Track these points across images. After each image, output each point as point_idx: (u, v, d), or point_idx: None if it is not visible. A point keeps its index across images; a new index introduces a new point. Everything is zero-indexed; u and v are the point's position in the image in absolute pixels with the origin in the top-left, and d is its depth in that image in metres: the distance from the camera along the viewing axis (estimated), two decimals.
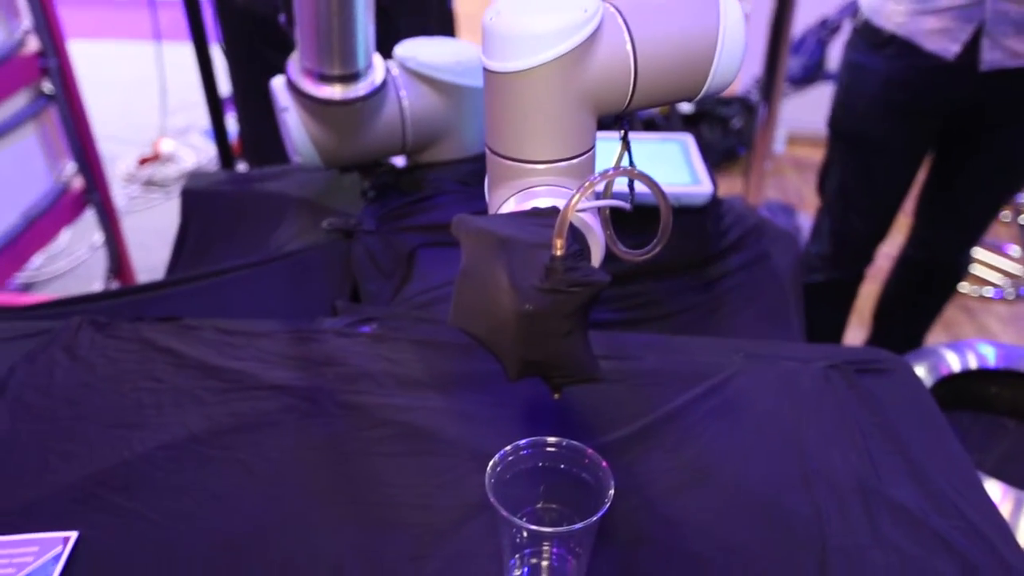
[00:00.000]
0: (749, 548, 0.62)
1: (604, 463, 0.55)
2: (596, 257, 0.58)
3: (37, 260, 2.40)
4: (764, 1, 2.06)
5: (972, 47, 1.32)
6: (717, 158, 3.08)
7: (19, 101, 1.72)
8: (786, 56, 2.10)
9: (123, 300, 0.97)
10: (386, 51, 1.01)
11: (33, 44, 1.73)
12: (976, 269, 2.46)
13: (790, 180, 3.11)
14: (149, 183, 2.95)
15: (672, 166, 1.14)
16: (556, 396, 0.57)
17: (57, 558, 0.59)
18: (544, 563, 0.56)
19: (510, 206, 0.58)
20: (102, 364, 0.80)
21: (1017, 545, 0.62)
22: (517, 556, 0.56)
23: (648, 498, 0.65)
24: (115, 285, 2.08)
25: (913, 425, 0.74)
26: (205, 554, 0.60)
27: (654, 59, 0.57)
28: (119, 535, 0.61)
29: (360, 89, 0.94)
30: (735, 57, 0.59)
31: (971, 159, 1.49)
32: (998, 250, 2.54)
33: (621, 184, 0.60)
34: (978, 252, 2.47)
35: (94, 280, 2.31)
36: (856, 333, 2.01)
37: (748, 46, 0.60)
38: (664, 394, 0.76)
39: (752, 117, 2.94)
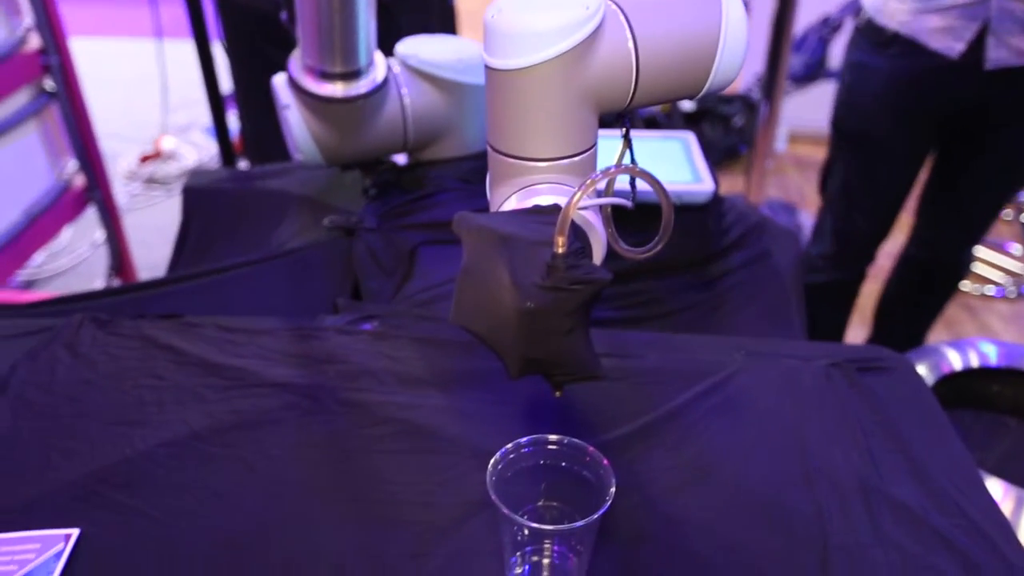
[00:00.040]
0: (750, 546, 0.62)
1: (605, 461, 0.55)
2: (598, 255, 0.58)
3: (39, 258, 2.40)
4: None
5: (976, 46, 1.31)
6: (718, 156, 3.08)
7: (21, 99, 1.72)
8: (788, 54, 2.10)
9: (124, 297, 0.97)
10: (387, 49, 1.01)
11: (35, 42, 1.73)
12: (978, 267, 2.46)
13: (791, 178, 3.10)
14: (150, 181, 2.96)
15: (673, 164, 1.14)
16: (557, 394, 0.57)
17: (59, 555, 0.59)
18: (545, 561, 0.56)
19: (511, 204, 0.58)
20: (104, 361, 0.80)
21: (1018, 544, 0.62)
22: (518, 554, 0.56)
23: (649, 496, 0.65)
24: (116, 283, 2.08)
25: (914, 423, 0.74)
26: (206, 551, 0.60)
27: (656, 57, 0.57)
28: (121, 532, 0.61)
29: (361, 87, 0.94)
30: (737, 55, 0.58)
31: (974, 158, 1.49)
32: (1000, 248, 2.54)
33: (623, 182, 0.60)
34: (980, 250, 2.47)
35: (95, 278, 2.31)
36: (857, 331, 2.01)
37: (749, 44, 0.60)
38: (665, 392, 0.76)
39: (754, 115, 2.94)
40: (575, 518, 0.53)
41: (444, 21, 1.65)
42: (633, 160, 0.61)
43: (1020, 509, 1.19)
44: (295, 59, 0.94)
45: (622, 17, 0.56)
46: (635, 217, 0.60)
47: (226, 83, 1.80)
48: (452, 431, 0.71)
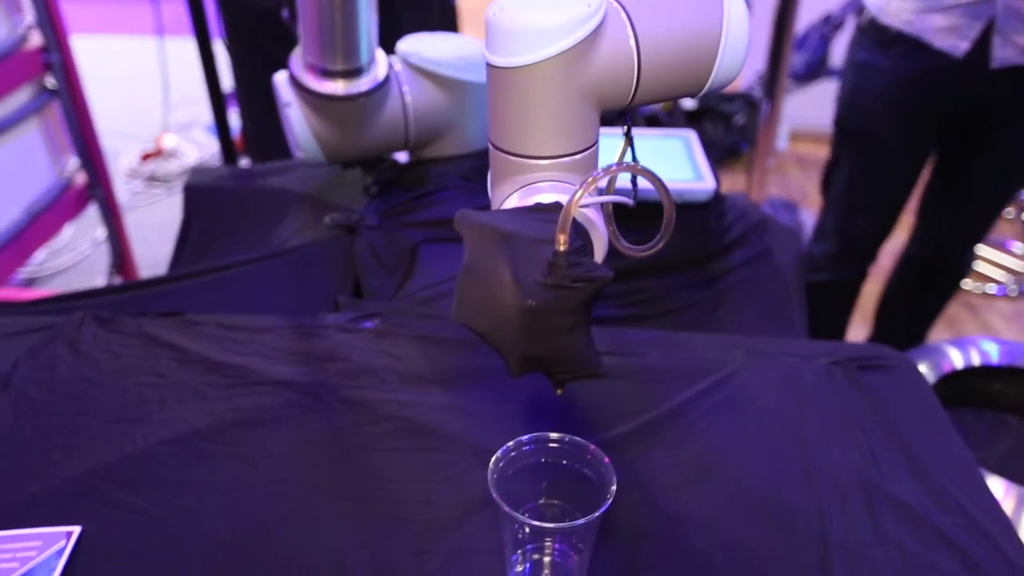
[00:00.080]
0: (751, 544, 0.62)
1: (606, 459, 0.55)
2: (599, 253, 0.58)
3: (40, 255, 2.41)
4: None
5: (981, 44, 1.31)
6: (720, 154, 3.07)
7: (22, 96, 1.72)
8: (789, 52, 2.10)
9: (126, 295, 0.97)
10: (389, 46, 1.01)
11: (36, 39, 1.73)
12: (979, 266, 2.46)
13: (793, 177, 3.10)
14: (152, 178, 2.96)
15: (675, 162, 1.14)
16: (559, 392, 0.57)
17: (60, 553, 0.59)
18: (546, 559, 0.56)
19: (513, 202, 0.58)
20: (105, 359, 0.80)
21: (1019, 542, 0.62)
22: (519, 552, 0.56)
23: (650, 494, 0.66)
24: (118, 280, 2.08)
25: (915, 422, 0.74)
26: (207, 549, 0.60)
27: (657, 55, 0.57)
28: (122, 530, 0.62)
29: (363, 84, 0.94)
30: (738, 53, 0.58)
31: (976, 158, 1.49)
32: (1001, 247, 2.53)
33: (624, 180, 0.60)
34: (981, 249, 2.46)
35: (97, 275, 2.31)
36: (858, 330, 2.01)
37: (751, 42, 0.60)
38: (666, 390, 0.76)
39: (755, 113, 2.94)
40: (576, 516, 0.53)
41: (445, 19, 1.65)
42: (634, 158, 0.61)
43: (1021, 508, 1.19)
44: (296, 57, 0.94)
45: (624, 15, 0.56)
46: (636, 215, 0.60)
47: (227, 81, 1.80)
48: (453, 429, 0.71)
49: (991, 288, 2.40)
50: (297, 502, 0.64)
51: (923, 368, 1.42)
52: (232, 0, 1.56)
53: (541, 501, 0.59)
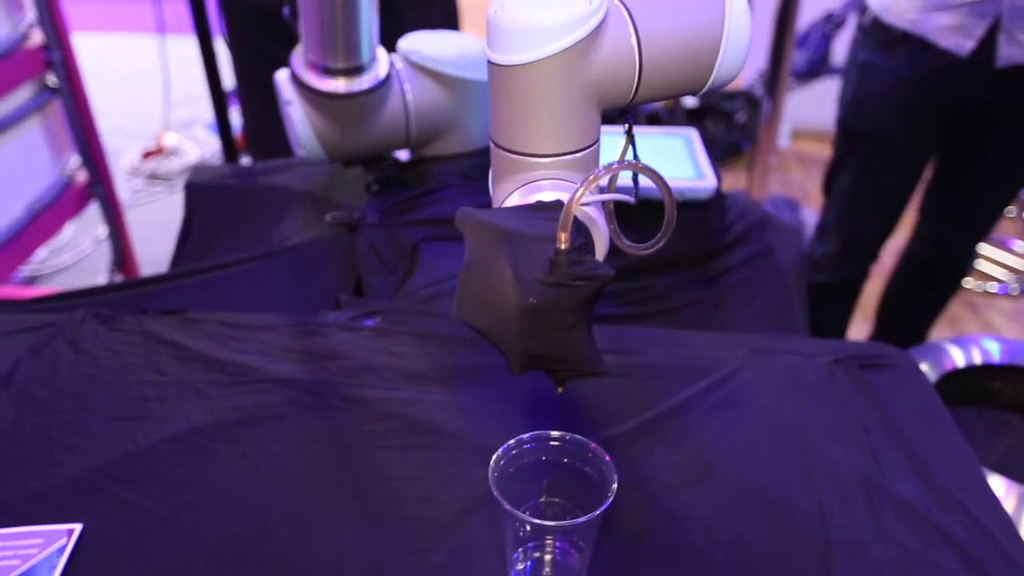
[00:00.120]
0: (752, 542, 0.62)
1: (607, 457, 0.55)
2: (600, 251, 0.58)
3: (41, 253, 2.41)
4: None
5: (986, 43, 1.31)
6: (721, 152, 3.07)
7: (23, 94, 1.72)
8: (791, 50, 2.09)
9: (127, 293, 0.97)
10: (390, 44, 1.00)
11: (37, 37, 1.73)
12: (980, 264, 2.46)
13: (794, 175, 3.10)
14: (153, 176, 2.96)
15: (676, 160, 1.14)
16: (559, 390, 0.57)
17: (62, 550, 0.59)
18: (547, 557, 0.57)
19: (514, 200, 0.58)
20: (106, 357, 0.80)
21: (1020, 540, 0.62)
22: (520, 550, 0.56)
23: (651, 492, 0.66)
24: (119, 278, 2.08)
25: (917, 420, 0.74)
26: (209, 547, 0.60)
27: (659, 53, 0.56)
28: (123, 527, 0.62)
29: (364, 82, 0.94)
30: (740, 51, 0.58)
31: (978, 158, 1.48)
32: (1003, 245, 2.53)
33: (625, 178, 0.60)
34: (983, 247, 2.46)
35: (98, 273, 2.31)
36: (860, 329, 2.01)
37: (752, 40, 0.60)
38: (667, 389, 0.76)
39: (756, 111, 2.94)
40: (577, 514, 0.53)
41: (447, 17, 1.64)
42: (636, 156, 0.61)
43: (1022, 506, 1.19)
44: (297, 55, 0.94)
45: (625, 13, 0.56)
46: (637, 213, 0.60)
47: (228, 79, 1.79)
48: (454, 427, 0.71)
49: (992, 287, 2.40)
50: (298, 500, 0.65)
51: (924, 367, 1.42)
52: None
53: (542, 499, 0.59)
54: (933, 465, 0.68)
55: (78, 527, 0.61)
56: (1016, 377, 1.42)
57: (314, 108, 0.95)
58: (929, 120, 1.46)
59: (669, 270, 1.04)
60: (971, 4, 1.29)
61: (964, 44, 1.32)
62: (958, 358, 1.44)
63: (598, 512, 0.52)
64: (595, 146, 0.59)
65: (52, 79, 1.78)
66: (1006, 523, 0.64)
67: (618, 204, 0.59)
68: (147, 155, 3.03)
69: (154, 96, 2.97)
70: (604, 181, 0.52)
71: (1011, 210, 2.60)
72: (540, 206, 0.55)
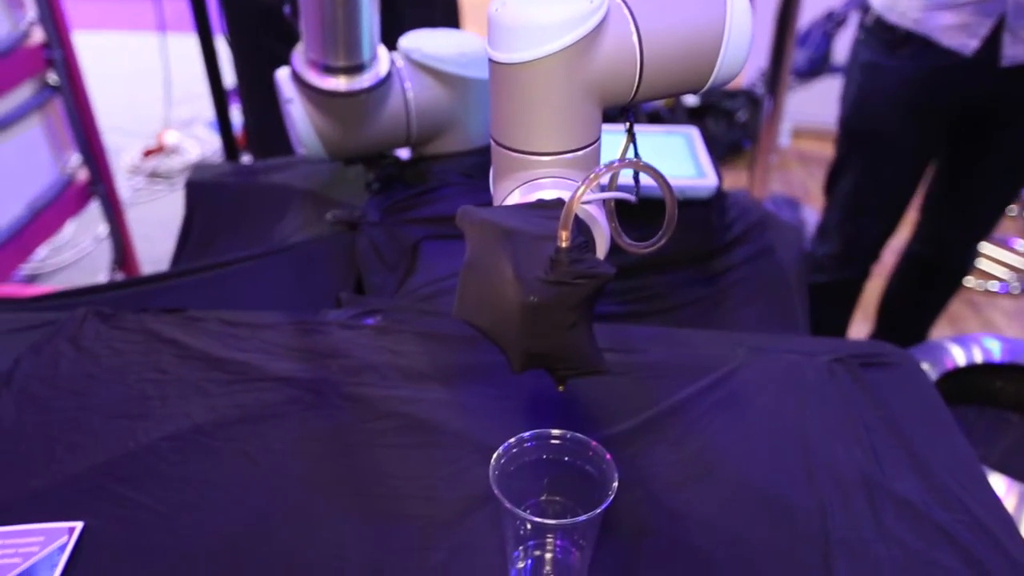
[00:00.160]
0: (752, 541, 0.62)
1: (608, 456, 0.55)
2: (601, 249, 0.58)
3: (42, 252, 2.41)
4: None
5: (991, 43, 1.30)
6: (722, 151, 3.07)
7: (24, 92, 1.72)
8: (792, 49, 2.09)
9: (128, 291, 0.97)
10: (391, 42, 1.00)
11: (38, 35, 1.73)
12: (981, 263, 2.46)
13: (795, 174, 3.10)
14: (154, 175, 2.96)
15: (677, 159, 1.14)
16: (560, 388, 0.57)
17: (63, 548, 0.59)
18: (548, 555, 0.57)
19: (515, 198, 0.58)
20: (107, 355, 0.80)
21: (1021, 539, 0.62)
22: (521, 548, 0.56)
23: (652, 491, 0.66)
24: (120, 276, 2.08)
25: (917, 419, 0.74)
26: (209, 545, 0.60)
27: (660, 51, 0.56)
28: (124, 525, 0.62)
29: (365, 80, 0.93)
30: (741, 49, 0.58)
31: (981, 157, 1.48)
32: (1004, 244, 2.53)
33: (626, 176, 0.60)
34: (984, 246, 2.46)
35: (99, 272, 2.31)
36: (860, 327, 2.01)
37: (753, 39, 0.60)
38: (668, 387, 0.76)
39: (757, 110, 2.93)
40: (577, 513, 0.53)
41: (447, 15, 1.64)
42: (637, 155, 0.61)
43: (1023, 505, 1.19)
44: (298, 53, 0.94)
45: (626, 11, 0.56)
46: (638, 212, 0.60)
47: (229, 77, 1.79)
48: (455, 425, 0.71)
49: (993, 285, 2.40)
50: (299, 498, 0.65)
51: (925, 365, 1.42)
52: None
53: (543, 497, 0.59)
54: (934, 464, 0.68)
55: (79, 525, 0.61)
56: (1017, 376, 1.42)
57: (315, 106, 0.95)
58: (932, 120, 1.46)
59: (670, 268, 1.04)
60: (976, 3, 1.28)
61: (969, 43, 1.31)
62: (959, 357, 1.44)
63: (599, 510, 0.52)
64: (596, 144, 0.59)
65: (53, 77, 1.78)
66: (1007, 522, 0.63)
67: (619, 202, 0.59)
68: (148, 153, 3.03)
69: (155, 94, 2.97)
70: (605, 179, 0.52)
71: (1012, 209, 2.60)
72: (541, 204, 0.55)
